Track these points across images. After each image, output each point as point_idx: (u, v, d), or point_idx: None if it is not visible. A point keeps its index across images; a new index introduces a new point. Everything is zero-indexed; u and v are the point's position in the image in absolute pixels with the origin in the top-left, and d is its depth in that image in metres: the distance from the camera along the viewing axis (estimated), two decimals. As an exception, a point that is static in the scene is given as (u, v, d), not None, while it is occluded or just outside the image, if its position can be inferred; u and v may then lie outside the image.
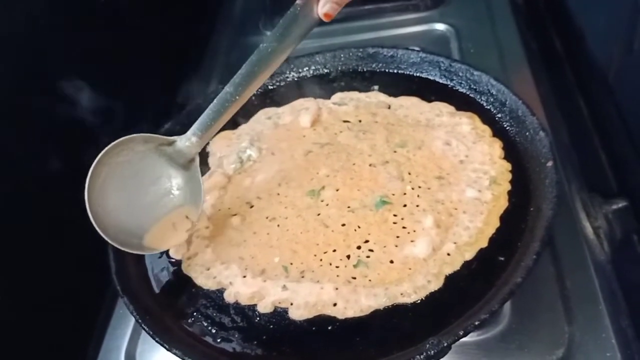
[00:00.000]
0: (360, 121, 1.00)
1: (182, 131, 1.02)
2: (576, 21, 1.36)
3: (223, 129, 1.04)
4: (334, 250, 0.81)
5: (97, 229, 0.75)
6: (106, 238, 0.76)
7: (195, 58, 1.46)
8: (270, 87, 1.12)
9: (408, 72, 1.07)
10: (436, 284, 0.75)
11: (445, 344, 0.65)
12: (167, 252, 0.87)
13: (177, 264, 0.86)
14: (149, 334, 0.74)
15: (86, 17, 1.14)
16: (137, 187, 0.80)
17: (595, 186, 1.01)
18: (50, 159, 0.99)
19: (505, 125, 0.93)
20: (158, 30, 1.36)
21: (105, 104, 1.13)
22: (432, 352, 0.65)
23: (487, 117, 0.95)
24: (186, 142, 0.82)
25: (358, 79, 1.09)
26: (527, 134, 0.88)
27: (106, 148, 0.77)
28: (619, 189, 1.07)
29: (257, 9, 1.55)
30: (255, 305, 0.78)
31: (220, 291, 0.81)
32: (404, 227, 0.82)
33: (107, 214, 0.76)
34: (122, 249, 0.78)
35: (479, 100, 0.98)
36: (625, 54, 1.07)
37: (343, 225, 0.84)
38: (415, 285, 0.75)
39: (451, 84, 1.02)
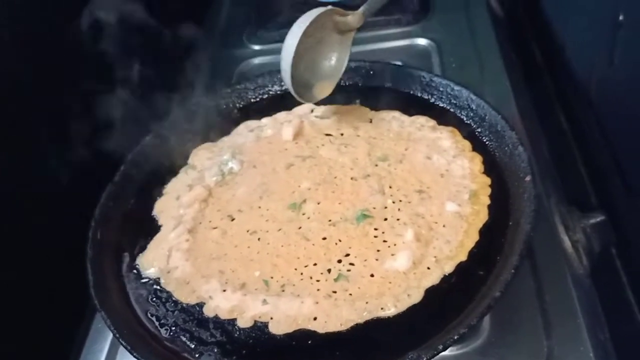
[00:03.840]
0: (342, 134, 1.01)
1: (163, 143, 1.03)
2: (557, 35, 1.38)
3: (204, 140, 1.05)
4: (315, 264, 0.81)
5: (290, 87, 0.94)
6: (295, 94, 0.95)
7: (178, 70, 1.45)
8: (252, 100, 1.12)
9: (390, 86, 1.08)
10: (416, 298, 0.75)
11: (424, 358, 0.65)
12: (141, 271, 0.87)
13: (156, 278, 0.85)
14: (126, 348, 0.73)
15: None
16: (315, 50, 0.96)
17: (575, 199, 1.02)
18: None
19: (485, 140, 0.94)
20: (141, 41, 1.36)
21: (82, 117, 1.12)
22: (412, 366, 0.65)
23: (467, 132, 0.96)
24: (354, 16, 0.95)
25: (340, 93, 1.09)
26: (506, 148, 0.89)
27: (308, 20, 0.91)
28: (598, 202, 1.09)
29: (242, 21, 1.55)
30: (235, 319, 0.78)
31: (200, 305, 0.80)
32: (384, 241, 0.82)
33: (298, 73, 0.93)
34: (301, 100, 0.98)
35: (460, 115, 0.99)
36: (606, 67, 1.09)
37: (324, 238, 0.84)
38: (395, 298, 0.75)
39: (432, 99, 1.03)
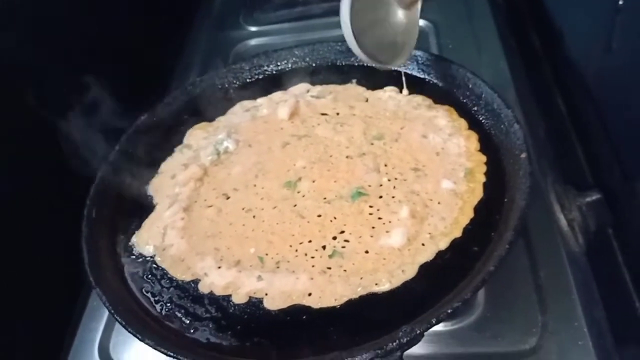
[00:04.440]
0: (338, 114, 1.01)
1: (159, 123, 1.02)
2: (555, 19, 1.37)
3: (200, 120, 1.05)
4: (310, 241, 0.81)
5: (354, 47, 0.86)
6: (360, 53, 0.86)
7: (175, 51, 1.45)
8: (248, 80, 1.12)
9: (386, 66, 1.07)
10: (410, 273, 0.75)
11: (417, 332, 0.65)
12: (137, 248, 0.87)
13: (151, 256, 0.85)
14: (121, 324, 0.73)
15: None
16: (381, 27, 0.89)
17: (570, 179, 1.02)
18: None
19: (481, 119, 0.94)
20: (139, 24, 1.35)
21: (82, 96, 1.12)
22: (405, 339, 0.65)
23: (463, 110, 0.96)
24: None
25: (336, 73, 1.09)
26: (502, 126, 0.88)
27: None
28: (594, 181, 1.09)
29: (238, 3, 1.54)
30: (230, 295, 0.78)
31: (195, 282, 0.80)
32: (379, 218, 0.82)
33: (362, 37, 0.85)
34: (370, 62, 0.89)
35: (456, 94, 0.98)
36: (604, 53, 1.08)
37: (319, 216, 0.84)
38: (389, 274, 0.75)
39: (428, 78, 1.03)
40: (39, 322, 0.93)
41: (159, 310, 0.78)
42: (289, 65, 1.13)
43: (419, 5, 0.90)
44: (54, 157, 1.01)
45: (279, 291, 0.77)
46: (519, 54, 1.34)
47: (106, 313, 0.91)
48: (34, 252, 0.95)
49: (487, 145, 0.90)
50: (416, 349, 0.70)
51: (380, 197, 0.85)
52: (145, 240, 0.87)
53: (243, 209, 0.87)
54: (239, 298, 0.77)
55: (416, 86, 1.02)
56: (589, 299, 0.83)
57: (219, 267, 0.81)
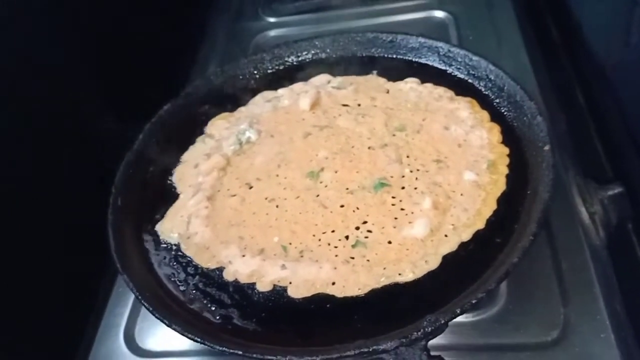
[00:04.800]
0: (359, 105, 1.01)
1: (181, 113, 1.04)
2: (574, 12, 1.36)
3: (222, 110, 1.06)
4: (333, 231, 0.82)
5: None
6: None
7: (195, 42, 1.46)
8: (269, 71, 1.12)
9: (407, 58, 1.07)
10: (433, 264, 0.76)
11: (442, 321, 0.66)
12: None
13: (176, 244, 0.86)
14: (148, 310, 0.74)
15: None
16: None
17: (591, 172, 1.01)
18: (51, 135, 0.99)
19: (503, 110, 0.94)
20: (158, 15, 1.36)
21: (105, 88, 1.13)
22: (429, 329, 0.65)
23: (485, 102, 0.96)
24: None
25: (357, 64, 1.09)
26: (525, 118, 0.88)
27: None
28: (613, 175, 1.08)
29: (257, -5, 1.55)
30: (254, 283, 0.79)
31: (219, 270, 0.82)
32: (402, 209, 0.83)
33: None
34: None
35: (478, 86, 0.98)
36: (623, 45, 1.07)
37: (342, 206, 0.85)
38: (412, 265, 0.76)
39: (450, 69, 1.03)
40: (64, 309, 0.95)
41: (184, 297, 0.79)
42: (310, 56, 1.13)
43: None
44: (79, 145, 1.03)
45: (303, 280, 0.77)
46: (538, 46, 1.34)
47: (131, 299, 0.92)
48: (60, 239, 0.97)
49: (510, 137, 0.90)
50: (439, 340, 0.70)
51: (403, 188, 0.85)
52: (170, 228, 0.88)
53: (266, 198, 0.88)
54: (263, 286, 0.78)
55: (437, 78, 1.02)
56: (610, 292, 0.83)
57: (243, 256, 0.82)
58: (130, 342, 0.88)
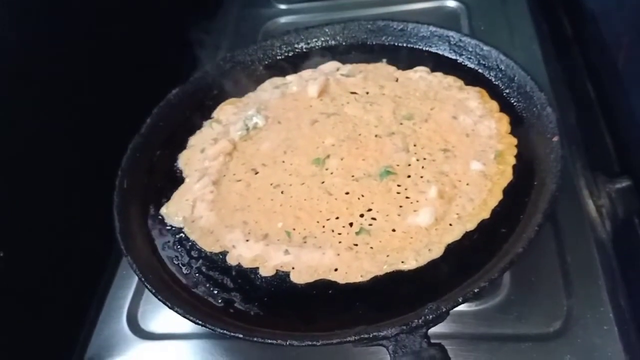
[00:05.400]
0: (367, 93, 1.00)
1: (189, 97, 1.04)
2: (587, 4, 1.34)
3: (230, 95, 1.06)
4: (337, 218, 0.82)
5: None
6: None
7: (205, 27, 1.45)
8: (278, 57, 1.12)
9: (417, 46, 1.06)
10: (437, 253, 0.75)
11: (443, 309, 0.65)
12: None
13: (180, 227, 0.87)
14: (151, 292, 0.75)
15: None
16: None
17: (600, 165, 1.00)
18: (56, 123, 1.00)
19: (512, 101, 0.93)
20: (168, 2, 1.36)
21: (113, 73, 1.13)
22: (431, 317, 0.65)
23: (495, 93, 0.95)
24: None
25: (367, 52, 1.09)
26: (534, 109, 0.87)
27: None
28: (622, 169, 1.07)
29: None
30: (258, 268, 0.79)
31: (223, 254, 0.82)
32: (407, 197, 0.82)
33: None
34: None
35: (488, 76, 0.98)
36: (636, 39, 1.06)
37: (347, 193, 0.84)
38: (416, 253, 0.76)
39: (460, 59, 1.02)
40: (68, 290, 0.96)
41: (187, 280, 0.80)
42: (319, 43, 1.13)
43: None
44: (87, 127, 1.03)
45: (306, 265, 0.78)
46: (550, 38, 1.32)
47: (135, 281, 0.93)
48: (65, 221, 0.97)
49: (518, 128, 0.89)
50: (440, 328, 0.70)
51: (409, 176, 0.85)
52: (175, 211, 0.88)
53: (271, 184, 0.88)
54: (266, 271, 0.78)
55: (448, 67, 1.01)
56: (614, 285, 0.83)
57: (247, 240, 0.82)
58: (133, 324, 0.89)
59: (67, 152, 1.00)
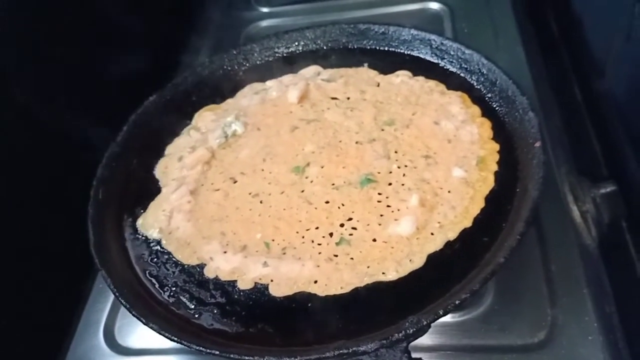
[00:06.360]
0: (348, 98, 0.99)
1: (167, 104, 1.01)
2: (575, 6, 1.34)
3: (210, 102, 1.04)
4: (317, 228, 0.80)
5: None
6: None
7: (186, 32, 1.43)
8: (258, 62, 1.10)
9: (399, 50, 1.05)
10: (418, 263, 0.74)
11: (424, 323, 0.64)
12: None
13: (157, 239, 0.85)
14: (125, 307, 0.73)
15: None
16: None
17: (585, 170, 0.99)
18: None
19: (495, 106, 0.91)
20: (149, 5, 1.34)
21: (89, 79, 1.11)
22: (411, 330, 0.64)
23: (477, 97, 0.94)
24: None
25: (348, 56, 1.07)
26: (517, 114, 0.86)
27: None
28: (608, 173, 1.06)
29: (251, -17, 1.52)
30: (236, 281, 0.77)
31: (200, 266, 0.80)
32: (388, 206, 0.81)
33: None
34: None
35: (470, 80, 0.96)
36: (623, 42, 1.05)
37: (327, 202, 0.83)
38: (397, 263, 0.74)
39: (442, 63, 1.00)
40: (43, 305, 0.93)
41: (164, 294, 0.78)
42: (300, 48, 1.11)
43: None
44: (60, 138, 1.01)
45: (285, 278, 0.76)
46: (536, 40, 1.31)
47: (112, 296, 0.90)
48: (41, 234, 0.95)
49: (501, 133, 0.88)
50: (422, 340, 0.68)
51: (390, 184, 0.83)
52: (151, 222, 0.86)
53: (250, 193, 0.86)
54: (244, 284, 0.76)
55: (429, 71, 1.00)
56: (600, 293, 0.81)
57: (225, 252, 0.80)
58: (110, 339, 0.87)
59: (45, 162, 0.98)
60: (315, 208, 0.82)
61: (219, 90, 1.06)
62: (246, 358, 0.65)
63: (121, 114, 0.99)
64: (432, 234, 0.77)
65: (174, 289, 0.78)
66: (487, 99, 0.93)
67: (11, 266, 0.90)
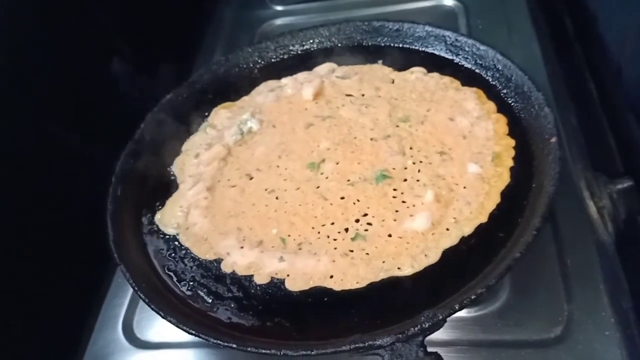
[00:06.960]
0: (363, 95, 0.99)
1: (184, 102, 1.02)
2: (589, 2, 1.33)
3: (225, 99, 1.04)
4: (332, 223, 0.81)
5: None
6: None
7: (201, 30, 1.44)
8: (273, 60, 1.11)
9: (413, 47, 1.05)
10: (433, 258, 0.74)
11: (440, 317, 0.64)
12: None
13: (175, 234, 0.86)
14: (144, 301, 0.74)
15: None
16: None
17: (601, 166, 0.99)
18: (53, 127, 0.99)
19: (510, 101, 0.91)
20: (164, 4, 1.35)
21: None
22: (427, 324, 0.64)
23: (492, 93, 0.94)
24: None
25: (363, 53, 1.07)
26: (532, 110, 0.86)
27: None
28: (625, 168, 1.05)
29: (264, -18, 1.53)
30: (252, 275, 0.78)
31: (217, 261, 0.81)
32: (403, 202, 0.81)
33: None
34: None
35: (485, 76, 0.96)
36: (638, 37, 1.04)
37: (342, 198, 0.83)
38: (412, 259, 0.74)
39: (457, 59, 1.00)
40: (64, 299, 0.95)
41: (181, 289, 0.79)
42: (315, 45, 1.11)
43: None
44: (81, 135, 1.02)
45: (301, 272, 0.76)
46: (550, 37, 1.31)
47: (130, 290, 0.91)
48: (61, 229, 0.97)
49: (516, 129, 0.87)
50: (438, 334, 0.68)
51: (405, 180, 0.84)
52: (169, 218, 0.87)
53: (266, 189, 0.87)
54: (260, 278, 0.77)
55: (444, 67, 1.00)
56: (616, 288, 0.81)
57: (242, 247, 0.81)
58: (129, 333, 0.88)
59: (65, 158, 1.00)
60: (331, 204, 0.83)
61: (235, 87, 1.06)
62: (263, 351, 0.66)
63: (136, 113, 1.00)
64: (447, 229, 0.77)
65: (191, 283, 0.79)
66: (502, 95, 0.93)
67: (31, 262, 0.92)
